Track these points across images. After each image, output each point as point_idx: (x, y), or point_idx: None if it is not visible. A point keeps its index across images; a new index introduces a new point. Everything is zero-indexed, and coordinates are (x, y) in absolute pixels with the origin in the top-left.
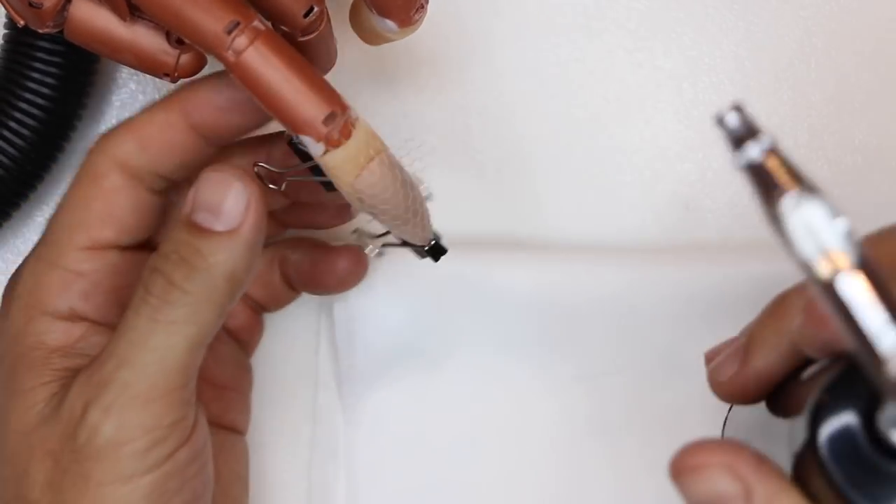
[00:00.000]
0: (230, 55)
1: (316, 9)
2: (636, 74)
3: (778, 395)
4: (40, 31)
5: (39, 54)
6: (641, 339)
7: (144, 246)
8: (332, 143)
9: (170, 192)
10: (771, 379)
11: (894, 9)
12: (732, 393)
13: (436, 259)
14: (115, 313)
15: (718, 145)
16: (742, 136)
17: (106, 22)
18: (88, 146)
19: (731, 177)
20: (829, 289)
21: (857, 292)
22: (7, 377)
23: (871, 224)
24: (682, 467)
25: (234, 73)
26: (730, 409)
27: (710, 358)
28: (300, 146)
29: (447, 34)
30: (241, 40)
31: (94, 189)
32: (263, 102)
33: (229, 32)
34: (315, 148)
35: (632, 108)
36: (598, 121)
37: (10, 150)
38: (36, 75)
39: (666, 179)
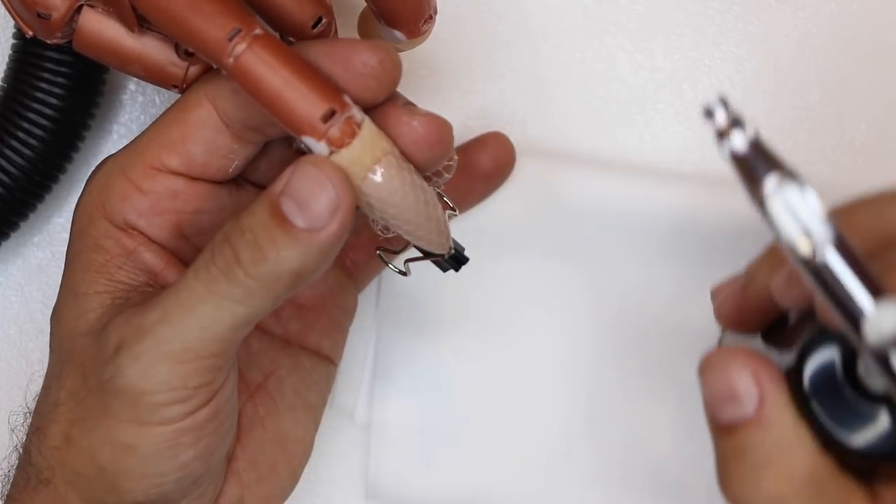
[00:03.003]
0: (230, 61)
1: (324, 19)
2: (636, 75)
3: (772, 329)
4: (49, 42)
5: (48, 64)
6: (682, 265)
7: (223, 182)
8: (334, 143)
9: (270, 144)
10: (765, 311)
11: (894, 9)
12: (732, 320)
13: (457, 269)
14: (169, 236)
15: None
16: (727, 127)
17: (114, 33)
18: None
19: (731, 178)
20: (809, 264)
21: (835, 267)
22: (67, 269)
23: None
24: (709, 362)
25: (233, 77)
26: (722, 333)
27: (715, 293)
28: (307, 153)
29: (447, 35)
30: (241, 47)
31: (180, 114)
32: (264, 105)
33: (230, 39)
34: (318, 149)
35: (632, 110)
36: (598, 122)
37: (19, 160)
38: (44, 85)
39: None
